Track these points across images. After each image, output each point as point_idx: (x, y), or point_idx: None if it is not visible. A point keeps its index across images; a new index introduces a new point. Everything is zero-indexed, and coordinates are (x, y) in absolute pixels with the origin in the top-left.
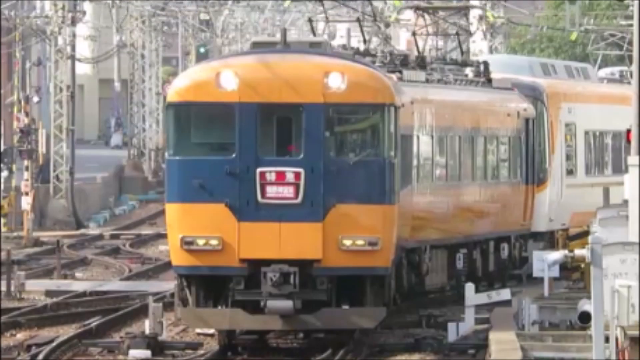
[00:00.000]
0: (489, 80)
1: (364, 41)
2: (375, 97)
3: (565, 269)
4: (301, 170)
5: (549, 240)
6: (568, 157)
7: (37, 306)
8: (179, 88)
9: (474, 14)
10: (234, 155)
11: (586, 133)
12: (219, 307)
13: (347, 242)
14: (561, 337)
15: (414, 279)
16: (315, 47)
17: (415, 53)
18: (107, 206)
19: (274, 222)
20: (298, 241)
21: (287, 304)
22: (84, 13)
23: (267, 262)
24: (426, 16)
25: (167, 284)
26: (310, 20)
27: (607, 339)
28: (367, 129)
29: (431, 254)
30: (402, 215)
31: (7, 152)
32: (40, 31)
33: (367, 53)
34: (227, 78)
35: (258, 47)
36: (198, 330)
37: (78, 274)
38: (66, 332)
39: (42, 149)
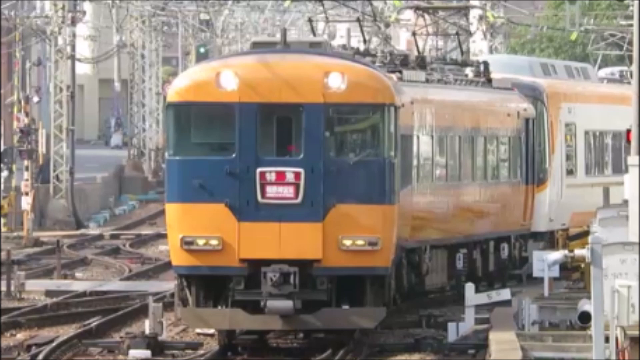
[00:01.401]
0: (489, 80)
1: (364, 41)
2: (375, 97)
3: (565, 269)
4: (301, 170)
5: (549, 240)
6: (568, 157)
7: (37, 306)
8: (179, 88)
9: (474, 14)
10: (234, 155)
11: (586, 133)
12: (219, 307)
13: (347, 242)
14: (561, 337)
15: (414, 279)
16: (315, 47)
17: (415, 53)
18: (107, 206)
19: (274, 222)
20: (298, 241)
21: (287, 304)
22: (84, 13)
23: (267, 262)
24: (426, 16)
25: (167, 284)
26: (310, 20)
27: (607, 339)
28: (367, 129)
29: (431, 254)
30: (402, 215)
31: (7, 152)
32: (40, 31)
33: (367, 53)
34: (227, 78)
35: (258, 47)
36: (198, 330)
37: (78, 274)
38: (66, 332)
39: (42, 149)
